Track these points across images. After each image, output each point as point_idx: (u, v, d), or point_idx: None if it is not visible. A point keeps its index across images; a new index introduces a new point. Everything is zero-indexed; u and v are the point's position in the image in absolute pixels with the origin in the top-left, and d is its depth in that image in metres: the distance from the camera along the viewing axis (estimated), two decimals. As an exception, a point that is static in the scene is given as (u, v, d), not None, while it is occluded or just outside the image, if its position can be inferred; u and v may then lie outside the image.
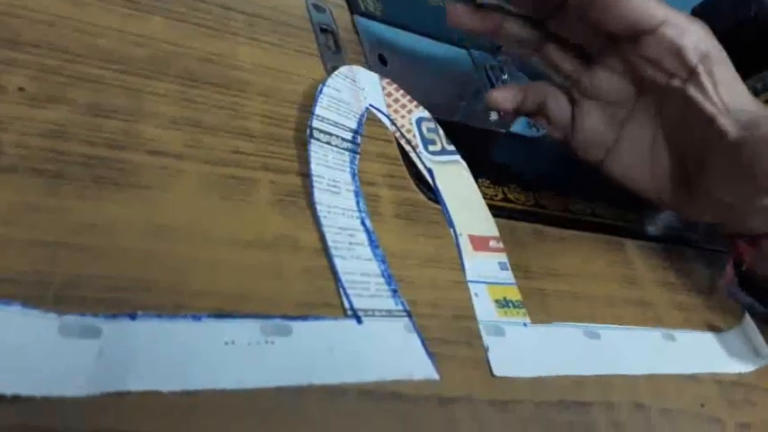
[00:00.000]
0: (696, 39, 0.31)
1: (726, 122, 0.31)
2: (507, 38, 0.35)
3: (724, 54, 0.32)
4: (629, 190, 0.37)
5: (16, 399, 0.17)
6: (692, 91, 0.31)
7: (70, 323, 0.19)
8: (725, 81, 0.32)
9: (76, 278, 0.21)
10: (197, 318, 0.22)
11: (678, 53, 0.31)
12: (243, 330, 0.23)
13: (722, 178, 0.33)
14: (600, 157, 0.36)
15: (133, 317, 0.21)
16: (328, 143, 0.31)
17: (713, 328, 0.38)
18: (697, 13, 0.55)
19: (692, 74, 0.31)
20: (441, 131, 0.36)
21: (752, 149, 0.30)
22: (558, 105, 0.36)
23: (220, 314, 0.23)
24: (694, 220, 0.37)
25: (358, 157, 0.32)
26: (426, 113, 0.36)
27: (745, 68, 0.48)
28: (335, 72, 0.34)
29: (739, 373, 0.36)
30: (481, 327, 0.29)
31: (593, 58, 0.34)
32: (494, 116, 0.43)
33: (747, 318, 0.37)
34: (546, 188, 0.39)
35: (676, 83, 0.32)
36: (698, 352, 0.36)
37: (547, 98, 0.36)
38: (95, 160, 0.24)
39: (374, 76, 0.36)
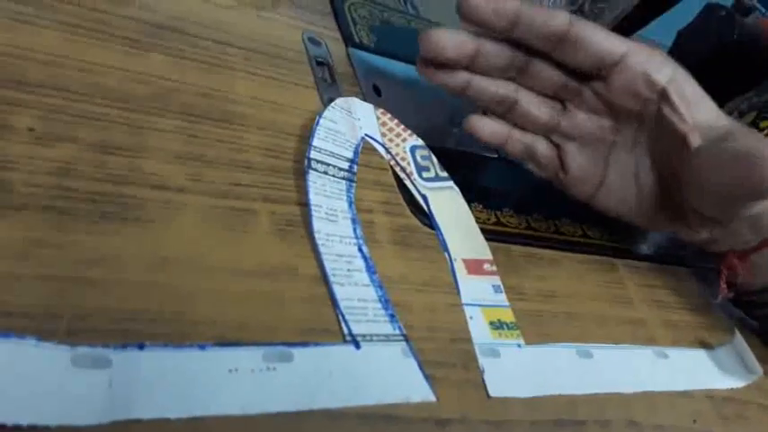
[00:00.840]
0: (660, 62, 0.33)
1: (695, 139, 0.32)
2: (479, 92, 0.35)
3: (688, 74, 0.33)
4: (621, 220, 0.38)
5: (33, 428, 0.18)
6: (666, 111, 0.33)
7: (82, 354, 0.20)
8: (693, 98, 0.33)
9: (86, 311, 0.22)
10: (202, 347, 0.23)
11: (646, 77, 0.32)
12: (246, 358, 0.23)
13: (701, 194, 0.34)
14: (590, 193, 0.37)
15: (141, 347, 0.21)
16: (326, 173, 0.32)
17: (705, 345, 0.39)
18: (682, 35, 0.57)
19: (662, 95, 0.32)
20: (434, 159, 0.37)
21: (717, 162, 0.32)
22: (545, 149, 0.37)
23: (224, 342, 0.23)
24: (690, 240, 0.38)
25: (354, 185, 0.33)
26: (420, 141, 0.37)
27: (729, 90, 0.50)
28: (331, 104, 0.35)
29: (731, 389, 0.37)
30: (476, 349, 0.30)
31: (567, 102, 0.35)
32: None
33: (738, 334, 0.38)
34: (537, 211, 0.40)
35: (650, 106, 0.33)
36: (690, 369, 0.37)
37: (534, 142, 0.37)
38: (101, 196, 0.25)
39: (369, 107, 0.37)
